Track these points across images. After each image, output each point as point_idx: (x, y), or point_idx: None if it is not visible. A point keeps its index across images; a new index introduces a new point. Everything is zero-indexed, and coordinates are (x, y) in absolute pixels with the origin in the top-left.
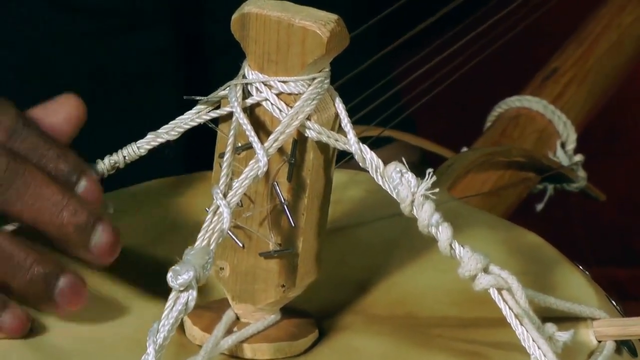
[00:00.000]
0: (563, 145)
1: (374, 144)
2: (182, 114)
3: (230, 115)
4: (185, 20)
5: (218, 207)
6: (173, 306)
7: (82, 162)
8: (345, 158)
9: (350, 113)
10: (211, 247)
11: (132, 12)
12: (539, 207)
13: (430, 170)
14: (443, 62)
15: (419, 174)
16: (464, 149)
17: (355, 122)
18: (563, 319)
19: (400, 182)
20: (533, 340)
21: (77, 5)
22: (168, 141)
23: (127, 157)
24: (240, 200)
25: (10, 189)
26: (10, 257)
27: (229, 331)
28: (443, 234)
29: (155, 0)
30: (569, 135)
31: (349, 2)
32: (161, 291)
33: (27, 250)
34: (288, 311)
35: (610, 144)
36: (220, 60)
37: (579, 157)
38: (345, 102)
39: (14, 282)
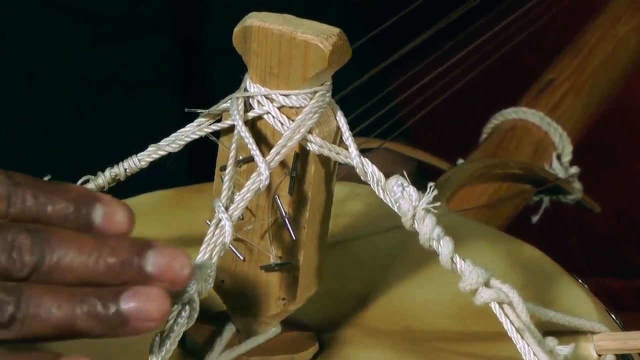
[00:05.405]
0: (559, 157)
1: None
2: (182, 120)
3: (231, 128)
4: (185, 27)
5: (220, 221)
6: (175, 319)
7: (85, 189)
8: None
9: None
10: (213, 261)
11: (133, 19)
12: (535, 219)
13: (431, 184)
14: (440, 74)
15: (416, 184)
16: (460, 161)
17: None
18: (563, 333)
19: (401, 196)
20: (534, 354)
21: (79, 12)
22: (169, 153)
23: (128, 170)
24: (242, 213)
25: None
26: None
27: (229, 344)
28: (444, 247)
29: (156, 6)
30: (565, 147)
31: (340, 14)
32: None
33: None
34: (288, 324)
35: (607, 156)
36: (215, 66)
37: (574, 169)
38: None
39: None
